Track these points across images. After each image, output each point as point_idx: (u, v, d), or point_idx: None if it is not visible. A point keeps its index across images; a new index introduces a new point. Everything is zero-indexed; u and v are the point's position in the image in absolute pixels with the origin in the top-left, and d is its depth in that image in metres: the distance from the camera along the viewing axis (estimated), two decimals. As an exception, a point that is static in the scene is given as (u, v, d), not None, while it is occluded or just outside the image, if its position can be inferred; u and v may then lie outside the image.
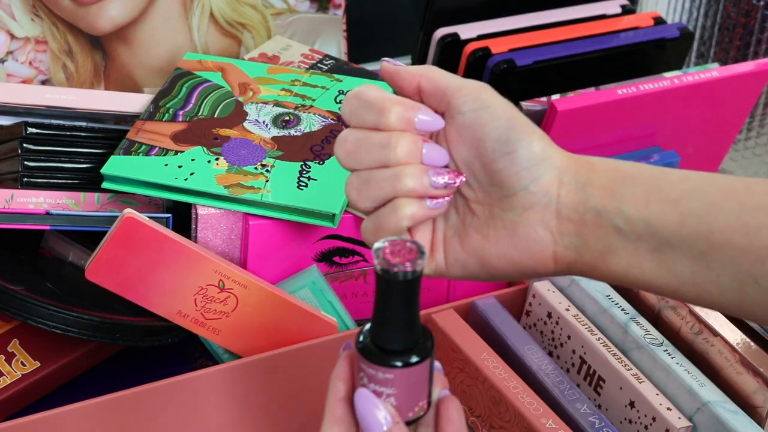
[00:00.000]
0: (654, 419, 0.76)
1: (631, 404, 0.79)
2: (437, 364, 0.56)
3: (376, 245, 0.51)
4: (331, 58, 1.02)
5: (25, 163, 0.87)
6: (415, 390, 0.53)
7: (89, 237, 0.90)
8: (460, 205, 0.57)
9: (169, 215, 0.85)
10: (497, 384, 0.79)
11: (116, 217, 0.84)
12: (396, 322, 0.52)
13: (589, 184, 0.54)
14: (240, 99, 0.93)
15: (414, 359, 0.52)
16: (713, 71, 1.00)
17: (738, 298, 0.52)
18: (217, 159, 0.86)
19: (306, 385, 0.85)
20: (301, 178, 0.85)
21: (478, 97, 0.54)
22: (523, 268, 0.56)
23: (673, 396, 0.78)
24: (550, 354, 0.88)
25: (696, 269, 0.52)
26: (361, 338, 0.53)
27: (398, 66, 0.57)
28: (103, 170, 0.85)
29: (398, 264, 0.50)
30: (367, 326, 0.54)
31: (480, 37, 1.04)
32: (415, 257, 0.50)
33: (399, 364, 0.52)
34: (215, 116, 0.91)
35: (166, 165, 0.85)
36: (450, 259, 0.57)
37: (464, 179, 0.55)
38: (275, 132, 0.90)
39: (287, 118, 0.92)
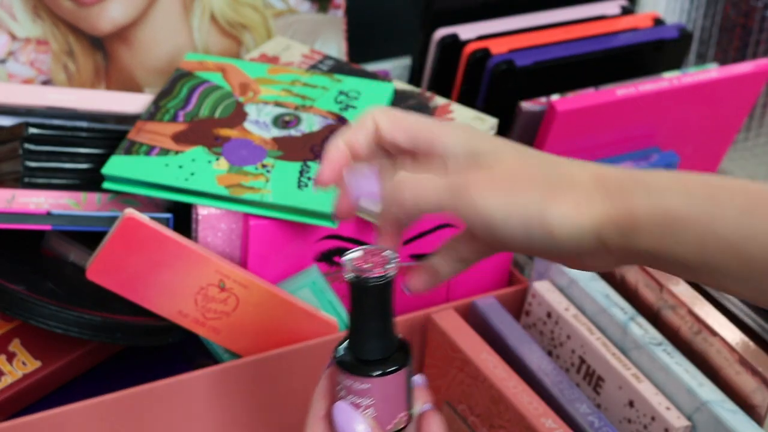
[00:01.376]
0: (653, 419, 0.77)
1: (631, 404, 0.79)
2: (419, 377, 0.56)
3: (347, 255, 0.52)
4: (332, 58, 1.02)
5: (27, 163, 0.88)
6: (394, 400, 0.54)
7: (90, 237, 0.90)
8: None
9: (170, 215, 0.85)
10: (497, 384, 0.79)
11: (117, 217, 0.84)
12: (370, 331, 0.53)
13: (635, 232, 0.51)
14: (240, 99, 0.94)
15: (391, 368, 0.53)
16: (712, 72, 1.00)
17: None
18: (217, 159, 0.87)
19: (306, 385, 0.85)
20: (301, 178, 0.85)
21: (481, 224, 0.52)
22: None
23: (672, 395, 0.78)
24: (549, 354, 0.88)
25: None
26: (339, 352, 0.54)
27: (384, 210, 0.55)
28: (104, 170, 0.85)
29: (369, 269, 0.51)
30: (344, 340, 0.54)
31: (480, 38, 1.04)
32: (385, 263, 0.51)
33: (376, 373, 0.53)
34: (216, 116, 0.91)
35: (166, 165, 0.86)
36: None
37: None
38: (275, 132, 0.90)
39: (287, 118, 0.92)
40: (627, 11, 1.12)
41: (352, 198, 0.55)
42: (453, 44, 1.04)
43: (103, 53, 1.03)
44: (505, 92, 1.01)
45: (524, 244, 0.51)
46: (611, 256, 0.52)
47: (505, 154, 0.53)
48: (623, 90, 0.97)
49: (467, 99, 1.04)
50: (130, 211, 0.78)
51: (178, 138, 0.89)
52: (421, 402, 0.56)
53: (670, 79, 0.99)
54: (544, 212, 0.50)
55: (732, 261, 0.49)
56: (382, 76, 1.00)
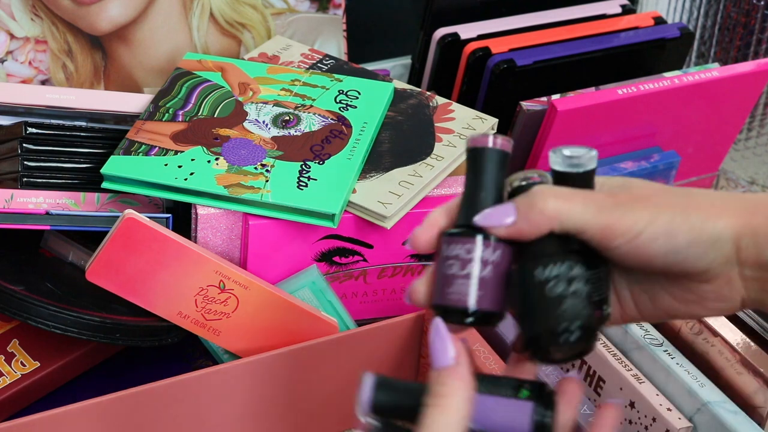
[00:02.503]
0: (654, 420, 0.76)
1: (632, 405, 0.78)
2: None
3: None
4: (331, 57, 1.02)
5: (25, 163, 0.87)
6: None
7: (89, 237, 0.90)
8: (643, 284, 0.56)
9: (169, 215, 0.85)
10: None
11: (116, 217, 0.84)
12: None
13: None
14: (240, 99, 0.93)
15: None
16: (713, 71, 1.00)
17: None
18: (217, 159, 0.86)
19: (306, 385, 0.85)
20: (301, 178, 0.85)
21: (626, 230, 0.52)
22: (708, 314, 0.56)
23: (673, 396, 0.78)
24: (550, 354, 0.88)
25: None
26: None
27: (518, 213, 0.53)
28: (103, 170, 0.85)
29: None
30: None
31: (480, 37, 1.04)
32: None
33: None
34: (215, 116, 0.91)
35: (166, 165, 0.85)
36: (642, 312, 0.57)
37: None
38: (275, 132, 0.90)
39: (287, 117, 0.92)
40: (628, 11, 1.12)
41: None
42: (453, 44, 1.03)
43: (102, 53, 1.03)
44: (505, 92, 1.01)
45: (665, 252, 0.51)
46: (743, 270, 0.52)
47: (636, 182, 0.54)
48: (624, 90, 0.97)
49: (467, 99, 1.03)
50: (130, 212, 0.78)
51: (178, 138, 0.88)
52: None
53: (671, 78, 0.99)
54: (687, 216, 0.51)
55: None
56: (382, 76, 0.99)
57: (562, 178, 0.54)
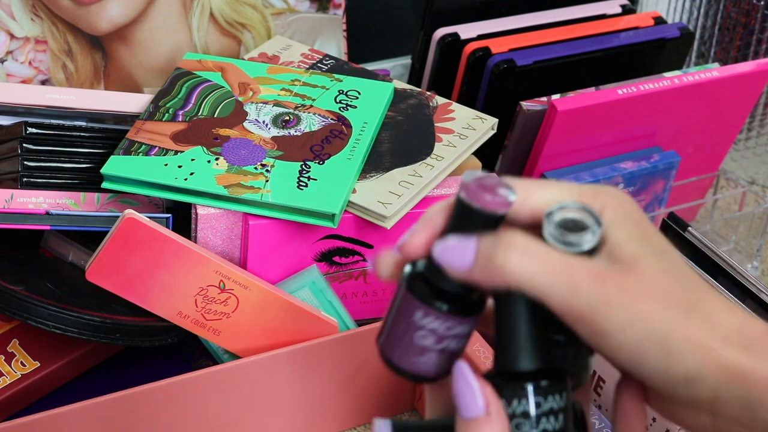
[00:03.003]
0: (654, 420, 0.76)
1: (632, 404, 0.78)
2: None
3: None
4: (331, 57, 1.02)
5: (25, 163, 0.87)
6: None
7: (89, 237, 0.90)
8: None
9: (169, 215, 0.85)
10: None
11: (116, 217, 0.84)
12: None
13: (762, 407, 0.44)
14: (240, 99, 0.93)
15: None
16: (713, 71, 1.00)
17: None
18: (216, 159, 0.86)
19: (306, 385, 0.85)
20: (301, 178, 0.85)
21: (594, 329, 0.44)
22: None
23: (673, 396, 0.78)
24: (550, 354, 0.88)
25: None
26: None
27: (476, 259, 0.44)
28: (103, 170, 0.85)
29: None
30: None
31: (480, 37, 1.04)
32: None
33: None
34: (215, 116, 0.91)
35: (165, 165, 0.85)
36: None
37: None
38: (275, 132, 0.90)
39: (287, 117, 0.92)
40: (628, 10, 1.12)
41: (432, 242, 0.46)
42: (453, 44, 1.03)
43: (102, 52, 1.03)
44: (505, 92, 1.01)
45: (632, 358, 0.44)
46: (717, 415, 0.45)
47: (646, 259, 0.44)
48: (624, 90, 0.97)
49: (467, 98, 1.03)
50: (130, 212, 0.78)
51: (178, 137, 0.88)
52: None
53: (671, 78, 0.99)
54: (669, 330, 0.43)
55: None
56: (382, 76, 0.99)
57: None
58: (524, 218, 0.46)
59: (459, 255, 0.45)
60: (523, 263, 0.43)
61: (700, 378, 0.44)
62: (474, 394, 0.45)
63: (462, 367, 0.45)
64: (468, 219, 0.45)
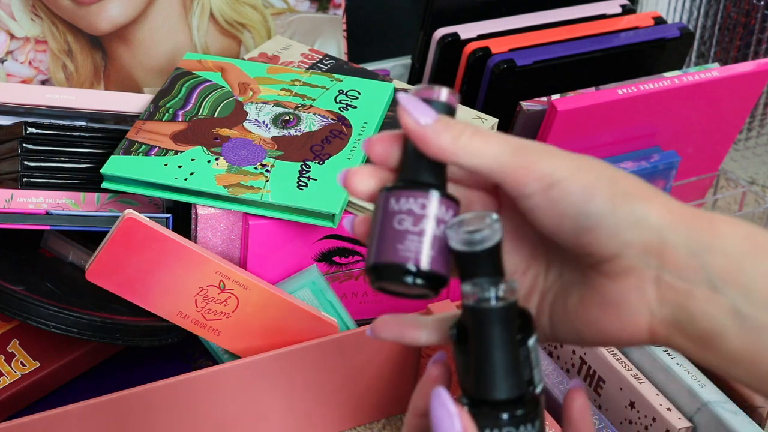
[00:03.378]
0: (654, 420, 0.76)
1: (631, 405, 0.78)
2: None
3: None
4: (331, 58, 1.02)
5: (25, 163, 0.87)
6: None
7: (89, 237, 0.90)
8: (556, 267, 0.50)
9: (169, 215, 0.85)
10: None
11: (116, 217, 0.84)
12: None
13: (707, 250, 0.45)
14: (240, 99, 0.93)
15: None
16: (713, 71, 1.00)
17: None
18: (216, 159, 0.86)
19: (306, 385, 0.85)
20: (301, 178, 0.85)
21: (543, 175, 0.45)
22: (613, 338, 0.48)
23: (673, 396, 0.78)
24: (550, 354, 0.88)
25: None
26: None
27: (428, 127, 0.46)
28: (103, 170, 0.85)
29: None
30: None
31: (480, 37, 1.04)
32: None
33: None
34: (215, 116, 0.91)
35: (165, 165, 0.85)
36: (555, 325, 0.50)
37: None
38: (275, 132, 0.90)
39: (287, 117, 0.92)
40: (628, 11, 1.12)
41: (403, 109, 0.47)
42: (453, 44, 1.03)
43: (101, 52, 1.03)
44: (505, 92, 1.01)
45: (576, 212, 0.45)
46: (663, 273, 0.45)
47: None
48: (624, 90, 0.97)
49: (467, 98, 1.03)
50: (130, 212, 0.78)
51: (178, 137, 0.88)
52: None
53: (671, 78, 0.99)
54: (614, 182, 0.45)
55: None
56: (382, 76, 0.99)
57: (461, 261, 0.47)
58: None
59: (421, 110, 0.47)
60: (474, 141, 0.46)
61: (646, 218, 0.45)
62: (452, 420, 0.44)
63: (440, 392, 0.45)
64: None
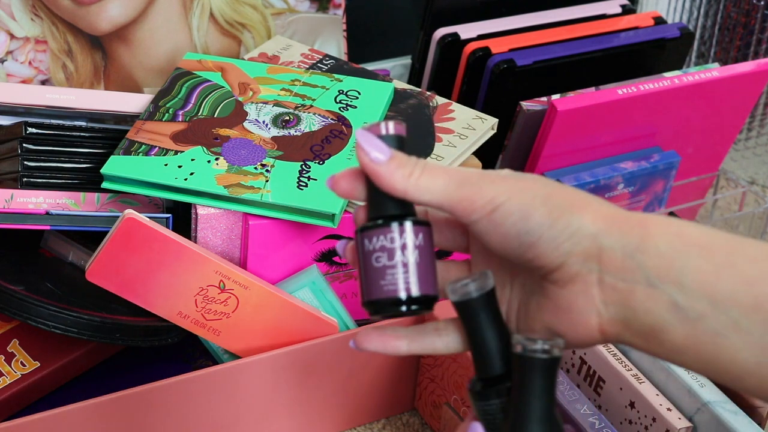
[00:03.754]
0: (654, 420, 0.76)
1: (631, 405, 0.78)
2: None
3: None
4: (331, 57, 1.02)
5: (25, 163, 0.87)
6: None
7: (89, 237, 0.90)
8: (519, 279, 0.55)
9: (169, 215, 0.85)
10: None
11: (116, 217, 0.84)
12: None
13: (641, 251, 0.48)
14: (240, 99, 0.93)
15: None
16: (713, 71, 1.00)
17: None
18: (216, 159, 0.86)
19: (306, 385, 0.85)
20: (301, 178, 0.85)
21: (485, 203, 0.50)
22: (570, 339, 0.51)
23: (673, 396, 0.78)
24: (550, 354, 0.88)
25: (766, 358, 0.47)
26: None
27: (381, 165, 0.51)
28: (103, 170, 0.85)
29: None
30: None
31: (480, 37, 1.04)
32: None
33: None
34: (215, 116, 0.91)
35: (166, 165, 0.85)
36: (520, 330, 0.55)
37: None
38: (275, 132, 0.90)
39: (287, 117, 0.92)
40: (628, 11, 1.12)
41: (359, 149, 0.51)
42: (453, 44, 1.03)
43: (101, 52, 1.03)
44: (505, 92, 1.01)
45: (517, 231, 0.49)
46: (603, 276, 0.49)
47: (519, 173, 0.52)
48: (624, 90, 0.97)
49: (467, 98, 1.03)
50: (130, 212, 0.78)
51: (178, 137, 0.88)
52: None
53: (671, 78, 0.99)
54: (547, 199, 0.50)
55: (743, 297, 0.47)
56: (382, 76, 0.99)
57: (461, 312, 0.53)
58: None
59: (376, 147, 0.51)
60: (424, 180, 0.50)
61: (581, 228, 0.49)
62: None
63: (476, 427, 0.52)
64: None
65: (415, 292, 0.51)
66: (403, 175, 0.50)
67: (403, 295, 0.51)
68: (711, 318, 0.47)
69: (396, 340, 0.54)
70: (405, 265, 0.51)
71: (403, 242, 0.51)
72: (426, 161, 0.51)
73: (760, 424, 0.76)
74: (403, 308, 0.51)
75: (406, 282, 0.51)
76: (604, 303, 0.49)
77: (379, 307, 0.52)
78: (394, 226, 0.51)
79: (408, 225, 0.51)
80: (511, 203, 0.49)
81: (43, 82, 1.01)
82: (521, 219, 0.49)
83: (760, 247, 0.48)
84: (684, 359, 0.49)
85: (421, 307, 0.52)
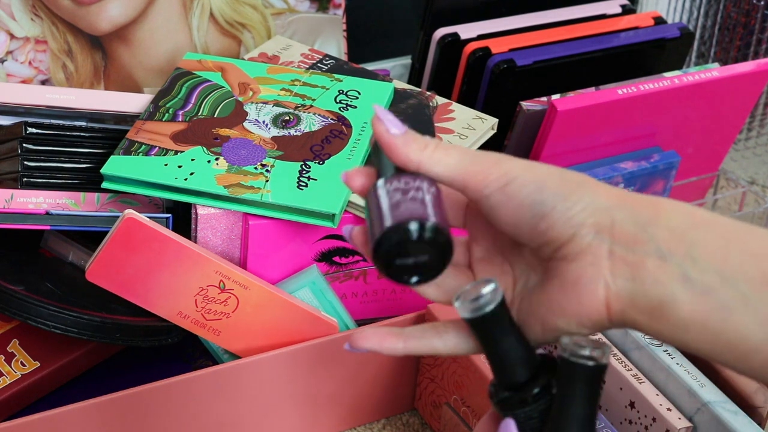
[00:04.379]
0: (654, 420, 0.76)
1: (631, 405, 0.78)
2: None
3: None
4: (331, 57, 1.02)
5: (25, 163, 0.87)
6: None
7: (89, 237, 0.90)
8: (524, 272, 0.54)
9: (169, 215, 0.85)
10: (488, 374, 0.79)
11: (116, 217, 0.84)
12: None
13: (653, 224, 0.49)
14: (240, 99, 0.93)
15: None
16: (713, 71, 1.00)
17: None
18: (216, 159, 0.86)
19: (306, 385, 0.85)
20: (301, 178, 0.85)
21: (499, 176, 0.51)
22: (573, 316, 0.51)
23: (673, 396, 0.78)
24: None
25: None
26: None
27: (398, 137, 0.52)
28: (103, 170, 0.85)
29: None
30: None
31: (480, 37, 1.04)
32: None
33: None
34: (215, 116, 0.91)
35: (165, 165, 0.85)
36: (522, 321, 0.54)
37: None
38: (275, 132, 0.90)
39: (287, 117, 0.92)
40: (628, 10, 1.12)
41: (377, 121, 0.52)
42: (453, 44, 1.03)
43: (102, 52, 1.03)
44: (505, 92, 1.01)
45: (532, 201, 0.50)
46: (614, 247, 0.49)
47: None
48: (624, 90, 0.97)
49: (467, 99, 1.03)
50: (130, 212, 0.78)
51: (178, 137, 0.88)
52: None
53: (671, 78, 0.99)
54: (562, 174, 0.51)
55: (751, 271, 0.47)
56: (382, 76, 0.99)
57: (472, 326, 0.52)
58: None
59: (393, 121, 0.52)
60: (437, 155, 0.51)
61: (595, 201, 0.49)
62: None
63: (509, 424, 0.52)
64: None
65: (432, 218, 0.49)
66: (418, 148, 0.51)
67: (416, 222, 0.48)
68: (720, 291, 0.47)
69: (393, 340, 0.54)
70: (423, 196, 0.50)
71: (420, 183, 0.51)
72: (439, 140, 0.52)
73: (760, 424, 0.76)
74: (415, 232, 0.48)
75: (424, 208, 0.49)
76: (613, 275, 0.49)
77: (388, 238, 0.49)
78: (409, 174, 0.51)
79: (422, 176, 0.51)
80: (526, 176, 0.50)
81: (43, 82, 1.01)
82: (536, 190, 0.50)
83: (766, 231, 0.49)
84: (688, 337, 0.48)
85: (436, 238, 0.49)
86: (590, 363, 0.50)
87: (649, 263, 0.48)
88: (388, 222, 0.49)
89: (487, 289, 0.51)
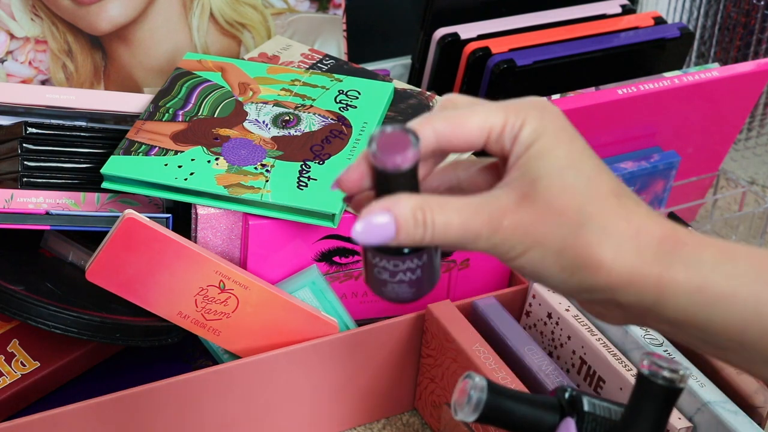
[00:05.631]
0: (654, 419, 0.76)
1: (631, 404, 0.78)
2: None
3: None
4: (331, 57, 1.02)
5: (25, 163, 0.87)
6: None
7: (89, 237, 0.90)
8: None
9: (169, 215, 0.85)
10: (487, 374, 0.79)
11: (116, 217, 0.84)
12: None
13: (660, 306, 0.47)
14: (240, 99, 0.93)
15: None
16: (713, 71, 1.00)
17: None
18: (216, 159, 0.86)
19: (306, 385, 0.85)
20: (301, 178, 0.85)
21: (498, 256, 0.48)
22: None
23: (673, 396, 0.78)
24: (550, 354, 0.88)
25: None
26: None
27: (399, 228, 0.46)
28: (103, 170, 0.85)
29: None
30: None
31: (480, 37, 1.04)
32: None
33: None
34: (215, 116, 0.91)
35: (165, 165, 0.85)
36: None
37: None
38: (275, 132, 0.90)
39: (287, 117, 0.92)
40: (628, 10, 1.12)
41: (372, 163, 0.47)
42: (453, 44, 1.03)
43: (102, 52, 1.03)
44: (505, 92, 1.01)
45: (534, 274, 0.48)
46: (626, 311, 0.48)
47: (547, 177, 0.47)
48: (624, 90, 0.97)
49: (467, 99, 1.03)
50: (130, 212, 0.78)
51: (178, 137, 0.88)
52: None
53: (671, 78, 0.99)
54: (562, 248, 0.47)
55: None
56: (382, 76, 0.99)
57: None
58: (460, 146, 0.49)
59: (379, 231, 0.46)
60: (447, 217, 0.46)
61: (595, 288, 0.47)
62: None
63: (569, 424, 0.53)
64: (385, 180, 0.48)
65: (413, 298, 0.50)
66: (414, 225, 0.46)
67: (398, 300, 0.50)
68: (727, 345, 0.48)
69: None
70: (405, 283, 0.50)
71: (406, 267, 0.49)
72: (433, 205, 0.47)
73: (760, 424, 0.76)
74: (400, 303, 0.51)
75: (404, 294, 0.50)
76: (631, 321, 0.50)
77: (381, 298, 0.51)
78: (403, 257, 0.49)
79: (412, 256, 0.49)
80: (524, 260, 0.47)
81: (43, 82, 1.01)
82: (535, 275, 0.48)
83: None
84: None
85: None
86: (667, 384, 0.51)
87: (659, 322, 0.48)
88: (376, 290, 0.50)
89: (469, 386, 0.54)
